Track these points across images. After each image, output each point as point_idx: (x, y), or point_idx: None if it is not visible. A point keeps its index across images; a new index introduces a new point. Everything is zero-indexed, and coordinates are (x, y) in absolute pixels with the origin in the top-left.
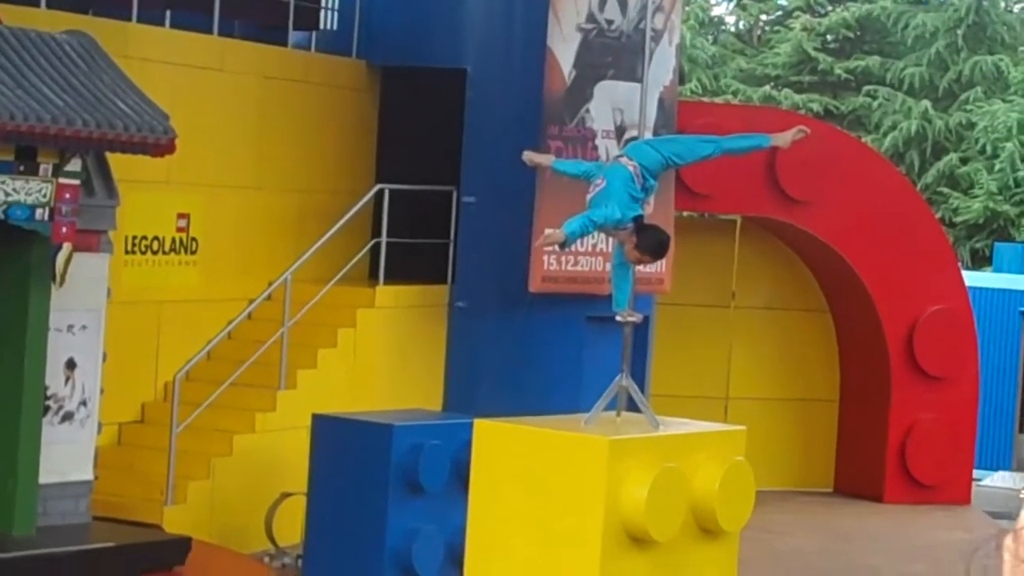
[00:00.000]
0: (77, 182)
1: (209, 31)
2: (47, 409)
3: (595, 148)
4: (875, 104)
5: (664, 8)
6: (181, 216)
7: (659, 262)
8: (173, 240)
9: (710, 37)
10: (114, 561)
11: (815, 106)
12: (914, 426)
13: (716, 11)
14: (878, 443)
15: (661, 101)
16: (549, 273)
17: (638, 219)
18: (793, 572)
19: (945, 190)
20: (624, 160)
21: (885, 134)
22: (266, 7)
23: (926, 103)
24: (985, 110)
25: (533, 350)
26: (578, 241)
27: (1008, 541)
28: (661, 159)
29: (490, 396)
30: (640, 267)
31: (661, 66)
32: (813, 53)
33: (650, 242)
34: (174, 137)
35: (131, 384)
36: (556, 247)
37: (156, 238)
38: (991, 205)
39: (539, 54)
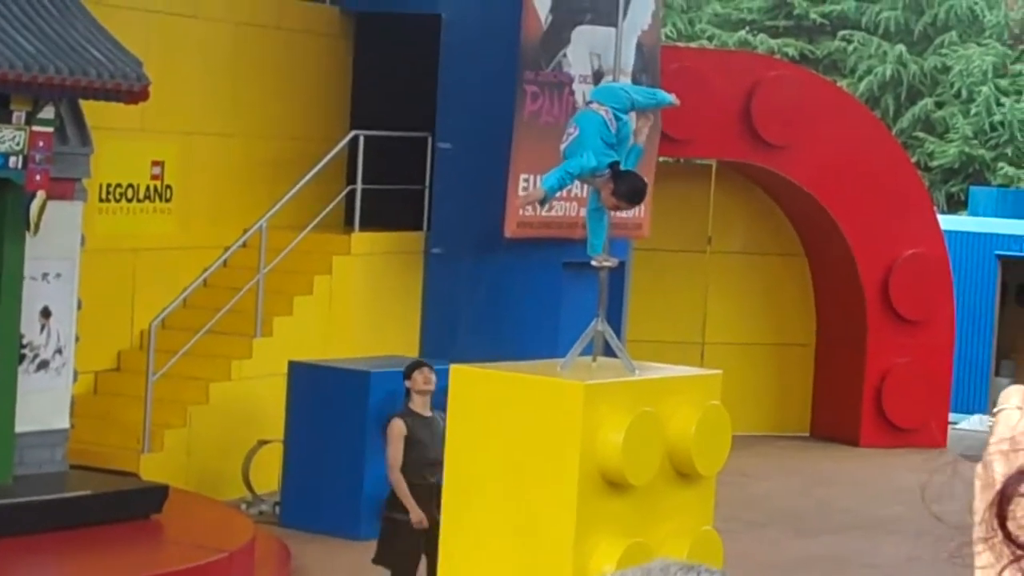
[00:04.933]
0: (50, 129)
1: None
2: (23, 358)
3: (572, 93)
4: (850, 48)
5: None
6: (155, 164)
7: (637, 207)
8: (148, 188)
9: None
10: (91, 509)
11: (790, 51)
12: (890, 370)
13: None
14: (854, 387)
15: (640, 46)
16: (524, 219)
17: (614, 165)
18: (769, 516)
19: (920, 134)
20: (595, 106)
21: (860, 79)
22: None
23: (901, 47)
24: (960, 54)
25: (509, 296)
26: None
27: (978, 468)
28: (627, 97)
29: (466, 342)
30: (618, 212)
31: (640, 11)
32: None
33: (626, 188)
34: (147, 84)
35: (107, 332)
36: (536, 204)
37: (131, 185)
38: (967, 149)
39: None
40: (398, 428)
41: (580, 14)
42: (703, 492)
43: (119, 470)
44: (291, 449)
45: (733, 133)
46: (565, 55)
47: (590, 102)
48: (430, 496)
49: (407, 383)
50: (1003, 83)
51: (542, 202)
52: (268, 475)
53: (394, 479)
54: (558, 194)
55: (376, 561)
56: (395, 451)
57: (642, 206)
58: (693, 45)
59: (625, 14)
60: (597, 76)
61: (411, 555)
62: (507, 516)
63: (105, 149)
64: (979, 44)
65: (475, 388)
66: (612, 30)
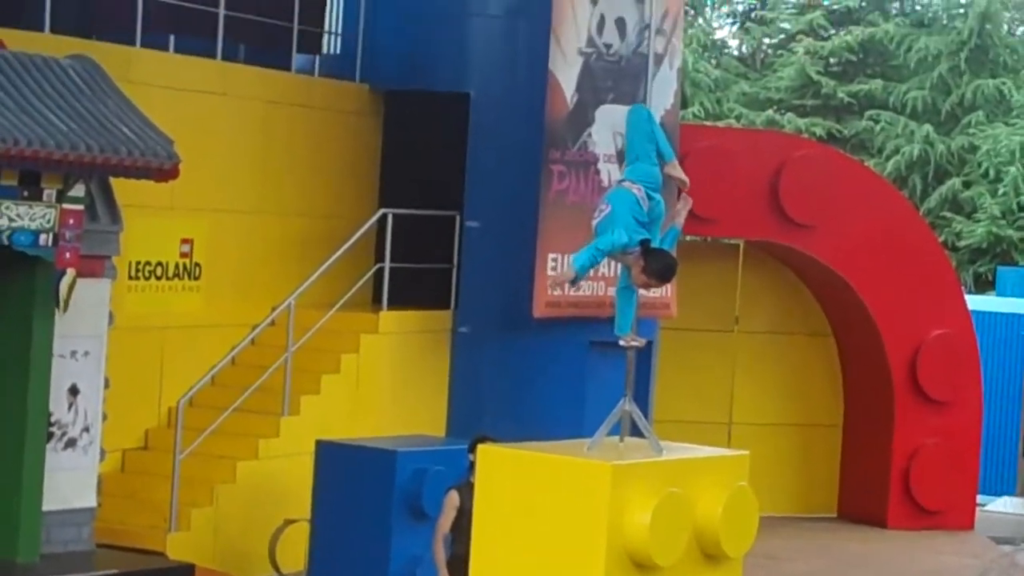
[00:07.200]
0: (81, 207)
1: (212, 56)
2: (51, 436)
3: (597, 172)
4: (878, 128)
5: (665, 32)
6: (184, 241)
7: (664, 287)
8: (177, 265)
9: (713, 61)
10: None
11: (818, 130)
12: (918, 451)
13: (719, 35)
14: (882, 468)
15: (663, 125)
16: (552, 298)
17: (645, 242)
18: None
19: (948, 214)
20: (627, 184)
21: (888, 158)
22: (269, 31)
23: (928, 127)
24: (988, 134)
25: (536, 375)
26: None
27: None
28: (655, 163)
29: (494, 421)
30: (646, 292)
31: (662, 90)
32: (816, 77)
33: (658, 265)
34: (178, 162)
35: (134, 410)
36: (567, 284)
37: (160, 263)
38: (994, 229)
39: (541, 78)
40: (451, 499)
41: (604, 93)
42: (730, 574)
43: (146, 549)
44: (318, 528)
45: (760, 212)
46: (590, 134)
47: (623, 180)
48: None
49: (471, 456)
50: None
51: (573, 282)
52: (295, 554)
53: (434, 547)
54: (589, 273)
55: None
56: (443, 520)
57: (670, 286)
58: (721, 124)
59: (649, 93)
60: (621, 155)
61: None
62: None
63: (135, 227)
64: (1007, 124)
65: (502, 468)
66: None
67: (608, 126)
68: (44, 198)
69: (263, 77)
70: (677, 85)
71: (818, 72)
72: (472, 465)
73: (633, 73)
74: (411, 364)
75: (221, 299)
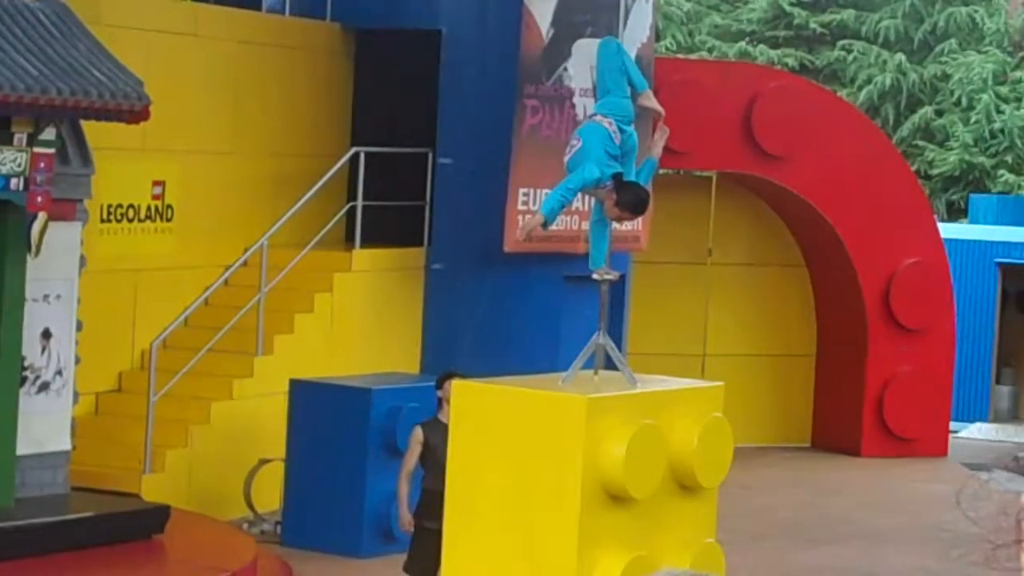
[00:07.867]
0: (52, 151)
1: None
2: (24, 380)
3: (573, 106)
4: (850, 58)
5: None
6: (156, 183)
7: (636, 220)
8: (149, 207)
9: None
10: (93, 531)
11: (790, 61)
12: (891, 379)
13: None
14: (855, 397)
15: (638, 59)
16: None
17: (617, 176)
18: (772, 527)
19: (920, 143)
20: (598, 118)
21: (860, 88)
22: None
23: (901, 56)
24: (960, 62)
25: (510, 310)
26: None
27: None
28: (627, 96)
29: (468, 357)
30: (616, 225)
31: (638, 23)
32: (788, 8)
33: (630, 198)
34: (148, 104)
35: (108, 353)
36: (539, 228)
37: (131, 206)
38: (967, 157)
39: (515, 13)
40: (416, 435)
41: (580, 27)
42: (705, 504)
43: (121, 491)
44: (293, 468)
45: (733, 144)
46: (566, 69)
47: (593, 114)
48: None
49: (439, 392)
50: (1003, 90)
51: (544, 226)
52: (270, 494)
53: (398, 483)
54: (560, 214)
55: (404, 569)
56: (408, 457)
57: (641, 219)
58: (693, 57)
59: (624, 27)
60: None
61: (437, 564)
62: (510, 530)
63: (106, 169)
64: (979, 52)
65: (477, 403)
66: None
67: (585, 60)
68: (15, 142)
69: (233, 17)
70: (652, 18)
71: (790, 3)
72: (440, 401)
73: (611, 6)
74: (385, 302)
75: (194, 240)
